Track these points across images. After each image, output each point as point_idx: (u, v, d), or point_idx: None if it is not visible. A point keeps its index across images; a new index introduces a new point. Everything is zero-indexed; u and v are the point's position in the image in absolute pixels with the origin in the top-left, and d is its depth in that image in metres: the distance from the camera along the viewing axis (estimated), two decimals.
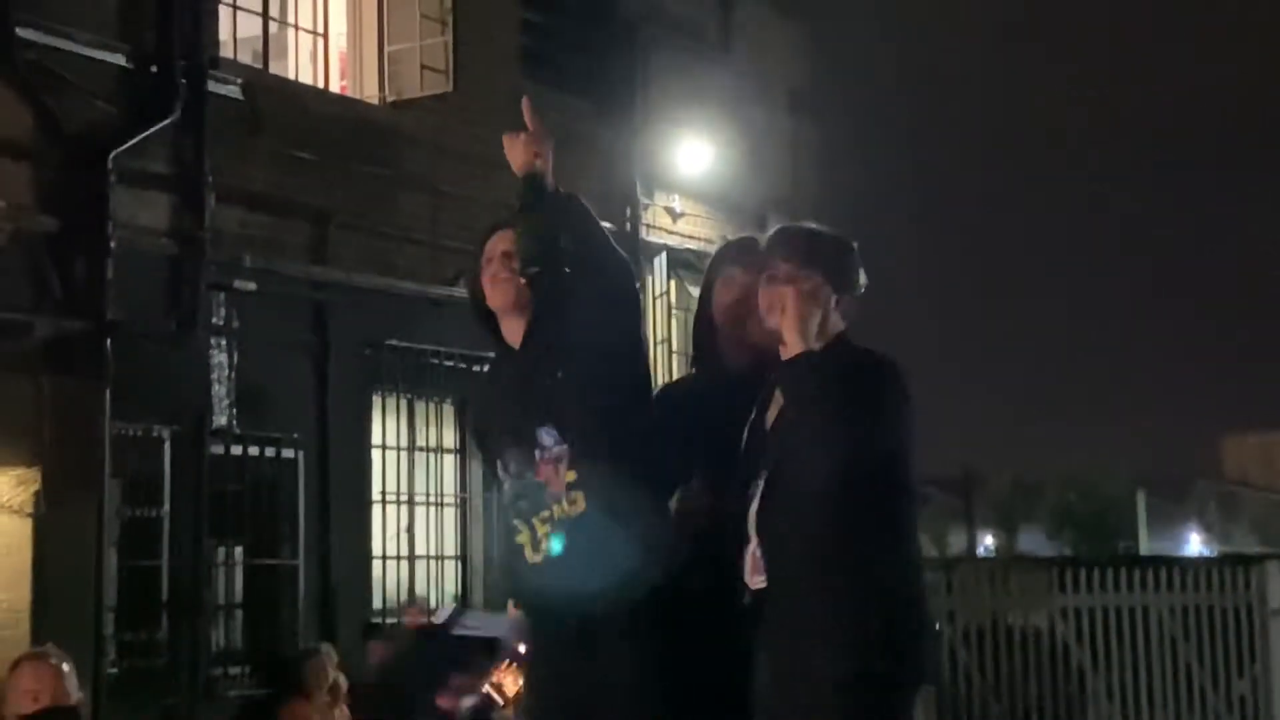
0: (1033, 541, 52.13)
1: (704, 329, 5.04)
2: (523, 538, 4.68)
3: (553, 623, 4.64)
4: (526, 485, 4.63)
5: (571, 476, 4.54)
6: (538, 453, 4.58)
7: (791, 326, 4.44)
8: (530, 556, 4.67)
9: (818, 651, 4.36)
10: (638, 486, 4.60)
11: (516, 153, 4.73)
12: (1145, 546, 36.24)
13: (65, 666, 5.22)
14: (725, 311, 4.90)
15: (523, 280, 4.62)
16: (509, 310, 4.70)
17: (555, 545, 4.57)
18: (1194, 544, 55.35)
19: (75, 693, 5.25)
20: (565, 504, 4.55)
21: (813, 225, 4.77)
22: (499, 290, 4.69)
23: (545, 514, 4.60)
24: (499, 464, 4.73)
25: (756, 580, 4.48)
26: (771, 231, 4.73)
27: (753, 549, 4.48)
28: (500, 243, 4.73)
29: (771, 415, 4.58)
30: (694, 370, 5.17)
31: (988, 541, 52.09)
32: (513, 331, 4.74)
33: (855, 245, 4.74)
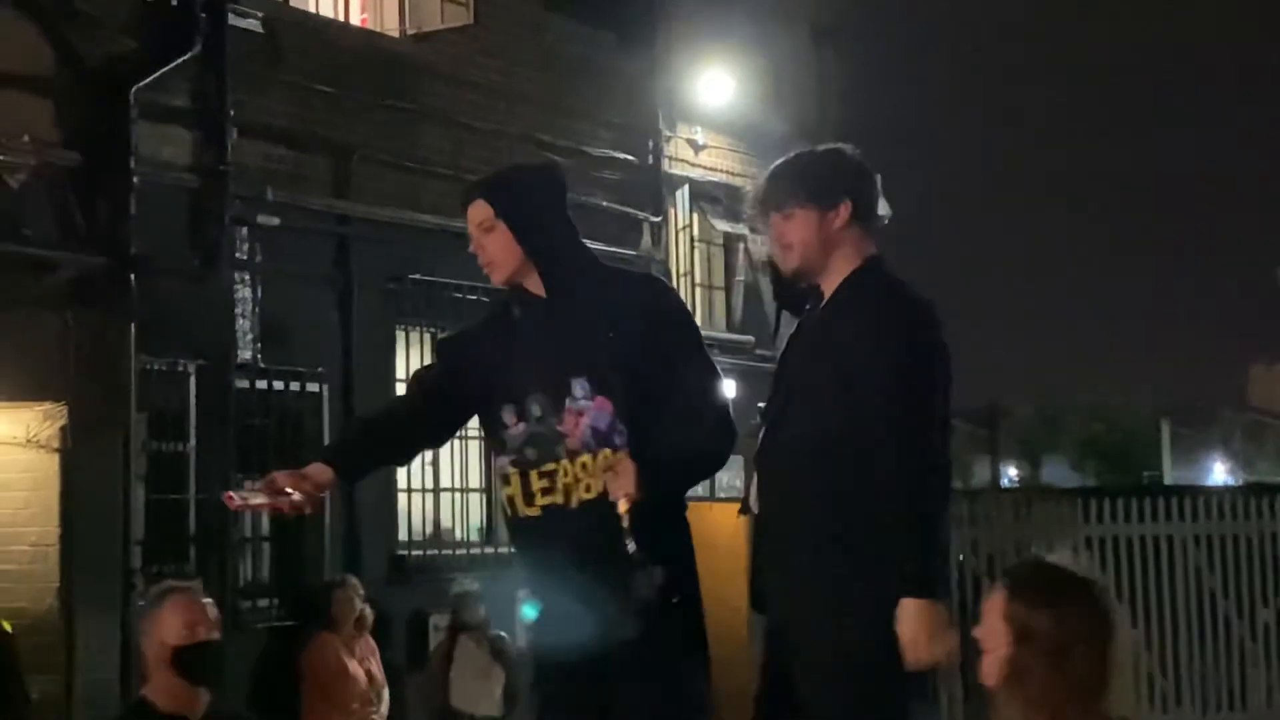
0: (1057, 472, 52.06)
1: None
2: (512, 489, 4.63)
3: (560, 584, 4.57)
4: (543, 432, 4.57)
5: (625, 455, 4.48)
6: (568, 401, 4.52)
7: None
8: (522, 509, 4.62)
9: (805, 597, 4.37)
10: (676, 474, 4.55)
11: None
12: (1169, 476, 36.12)
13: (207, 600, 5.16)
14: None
15: (504, 255, 4.61)
16: (513, 279, 4.66)
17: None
18: (1218, 473, 55.19)
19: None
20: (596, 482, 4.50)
21: (789, 155, 4.67)
22: (493, 273, 4.65)
23: (550, 467, 4.56)
24: (509, 407, 4.63)
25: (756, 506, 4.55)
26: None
27: (755, 480, 4.54)
28: (472, 219, 4.67)
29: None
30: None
31: (1011, 472, 52.01)
32: (531, 284, 4.67)
33: (845, 152, 4.63)
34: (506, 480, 4.66)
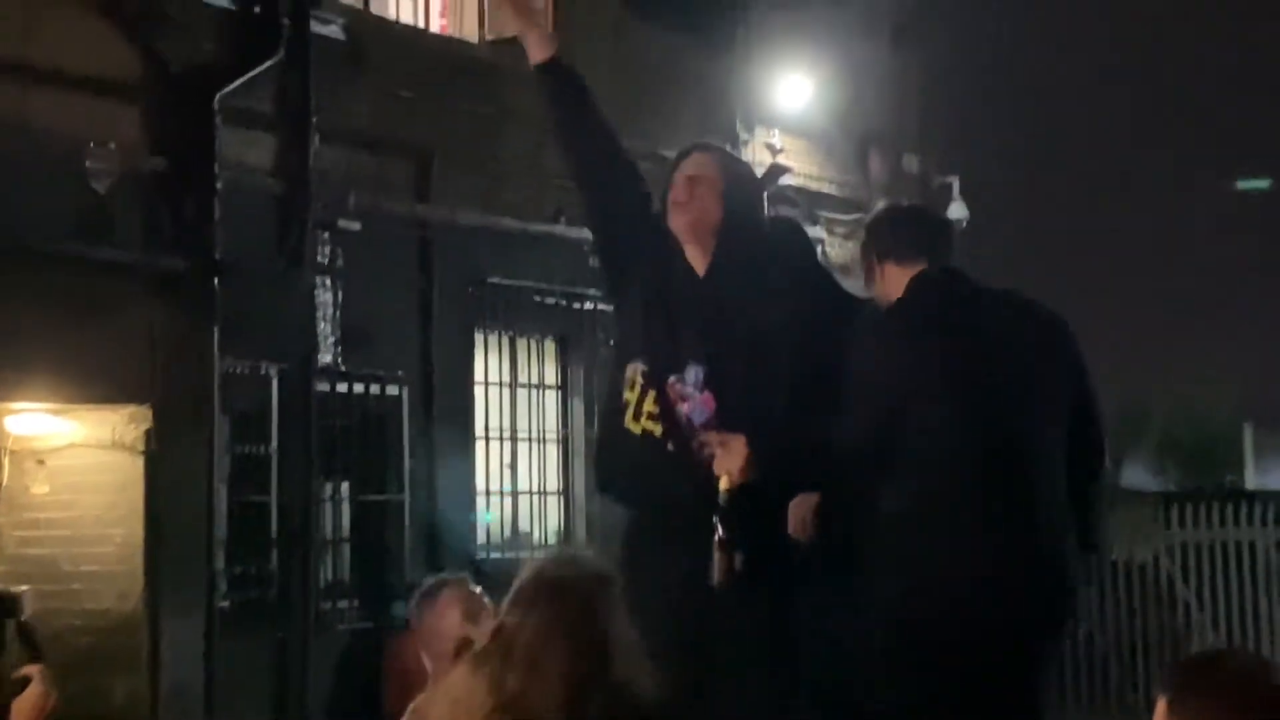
0: (1137, 475, 51.59)
1: None
2: (631, 395, 4.63)
3: (662, 514, 4.57)
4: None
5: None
6: (673, 377, 4.53)
7: None
8: (629, 421, 4.63)
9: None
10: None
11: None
12: (1252, 480, 35.70)
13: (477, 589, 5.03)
14: None
15: (701, 209, 4.65)
16: (685, 237, 4.68)
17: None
18: None
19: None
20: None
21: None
22: (676, 214, 4.67)
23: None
24: (642, 342, 4.65)
25: None
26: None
27: None
28: (688, 166, 4.73)
29: None
30: None
31: None
32: (694, 256, 4.70)
33: (869, 219, 5.07)
34: (631, 385, 4.66)
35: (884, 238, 4.88)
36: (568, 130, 5.06)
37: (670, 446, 4.52)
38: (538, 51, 5.04)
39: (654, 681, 3.43)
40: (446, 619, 4.89)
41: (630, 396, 4.62)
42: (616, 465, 4.73)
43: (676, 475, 4.49)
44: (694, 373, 4.52)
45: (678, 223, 4.66)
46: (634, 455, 4.62)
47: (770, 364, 4.51)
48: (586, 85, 5.04)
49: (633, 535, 4.68)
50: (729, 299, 4.58)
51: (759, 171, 13.69)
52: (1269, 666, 2.85)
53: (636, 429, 4.60)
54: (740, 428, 4.44)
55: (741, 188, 4.76)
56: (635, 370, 4.62)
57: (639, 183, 4.93)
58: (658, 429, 4.55)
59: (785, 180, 15.58)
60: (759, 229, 4.77)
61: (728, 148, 5.12)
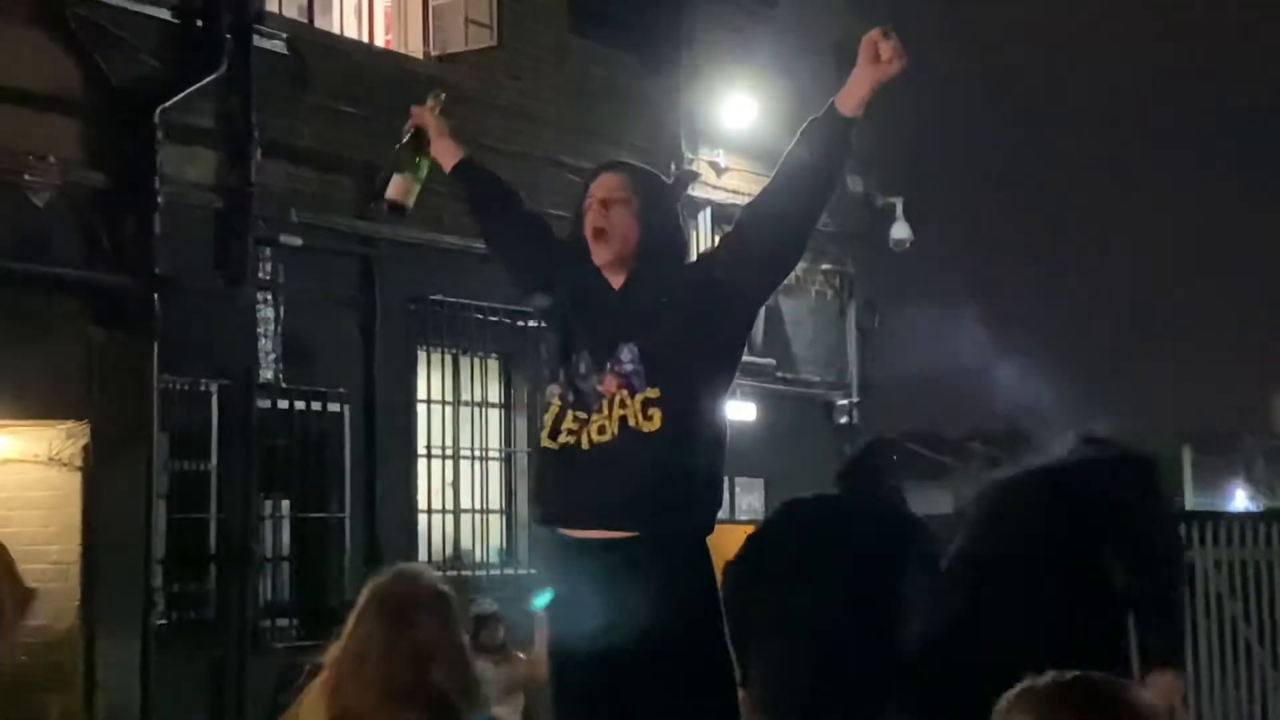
0: None
1: None
2: (549, 415, 4.60)
3: (583, 522, 4.52)
4: (585, 390, 4.56)
5: (654, 393, 4.47)
6: (609, 364, 4.51)
7: None
8: (545, 440, 4.60)
9: None
10: (714, 432, 4.59)
11: None
12: (1191, 502, 36.01)
13: None
14: None
15: (621, 236, 4.62)
16: (607, 264, 4.66)
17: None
18: (1240, 499, 55.01)
19: None
20: (641, 419, 4.48)
21: None
22: (599, 245, 4.63)
23: (582, 415, 4.53)
24: (562, 359, 4.65)
25: None
26: None
27: None
28: (599, 189, 4.69)
29: None
30: None
31: None
32: (613, 277, 4.69)
33: None
34: (548, 406, 4.66)
35: None
36: (483, 221, 5.32)
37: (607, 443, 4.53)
38: (449, 161, 5.37)
39: (477, 692, 3.55)
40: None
41: (549, 417, 4.62)
42: (542, 487, 4.71)
43: (598, 471, 4.50)
44: (627, 350, 4.53)
45: (602, 255, 4.64)
46: (554, 469, 4.62)
47: (694, 350, 4.53)
48: (494, 175, 5.35)
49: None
50: (647, 308, 4.59)
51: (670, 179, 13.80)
52: (1119, 686, 2.84)
53: (555, 445, 4.60)
54: (677, 399, 4.46)
55: (656, 202, 4.74)
56: (554, 392, 4.64)
57: (546, 230, 5.04)
58: (582, 439, 4.54)
59: (729, 200, 15.61)
60: (676, 239, 4.78)
61: (672, 166, 5.13)
